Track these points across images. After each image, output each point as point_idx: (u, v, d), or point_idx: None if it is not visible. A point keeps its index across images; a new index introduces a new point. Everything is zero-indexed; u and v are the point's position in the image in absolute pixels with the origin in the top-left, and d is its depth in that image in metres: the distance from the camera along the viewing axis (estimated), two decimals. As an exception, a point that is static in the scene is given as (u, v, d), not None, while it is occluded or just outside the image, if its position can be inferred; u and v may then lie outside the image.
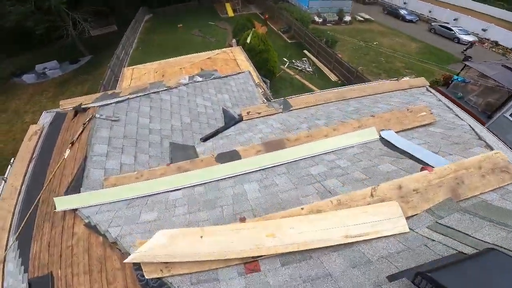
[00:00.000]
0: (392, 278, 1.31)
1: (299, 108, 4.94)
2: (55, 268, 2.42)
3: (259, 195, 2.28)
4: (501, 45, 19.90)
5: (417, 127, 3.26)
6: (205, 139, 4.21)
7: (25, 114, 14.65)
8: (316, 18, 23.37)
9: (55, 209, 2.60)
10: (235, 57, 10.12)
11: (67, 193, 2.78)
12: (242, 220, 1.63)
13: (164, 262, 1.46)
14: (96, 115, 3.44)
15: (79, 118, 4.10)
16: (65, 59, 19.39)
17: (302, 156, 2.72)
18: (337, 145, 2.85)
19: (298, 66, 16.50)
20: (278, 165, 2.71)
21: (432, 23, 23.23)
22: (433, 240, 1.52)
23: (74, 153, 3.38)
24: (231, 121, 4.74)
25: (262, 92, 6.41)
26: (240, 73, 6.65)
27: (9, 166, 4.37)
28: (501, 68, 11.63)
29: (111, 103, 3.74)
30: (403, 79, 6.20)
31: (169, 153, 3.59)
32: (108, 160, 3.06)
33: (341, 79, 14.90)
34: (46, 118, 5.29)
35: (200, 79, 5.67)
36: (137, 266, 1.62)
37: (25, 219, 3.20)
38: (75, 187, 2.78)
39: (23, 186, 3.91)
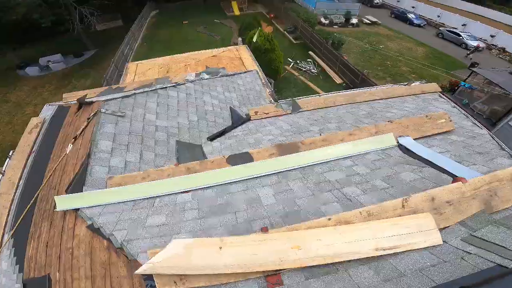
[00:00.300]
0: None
1: (308, 110, 4.81)
2: (53, 270, 2.28)
3: (274, 201, 2.15)
4: (507, 51, 19.74)
5: (435, 134, 3.14)
6: (212, 138, 4.08)
7: (26, 106, 14.48)
8: (323, 20, 23.20)
9: (55, 207, 2.46)
10: (241, 55, 9.95)
11: (68, 191, 2.64)
12: (265, 230, 1.49)
13: (178, 274, 1.32)
14: (102, 109, 3.30)
15: (83, 112, 3.96)
16: (69, 52, 19.25)
17: (318, 161, 2.58)
18: (354, 150, 2.71)
19: (302, 67, 16.32)
20: (292, 170, 2.57)
21: (440, 28, 23.04)
22: (469, 253, 1.44)
23: (76, 149, 3.24)
24: (238, 120, 4.61)
25: (270, 92, 6.26)
26: (247, 71, 6.51)
27: (8, 159, 4.22)
28: (509, 76, 11.50)
29: (117, 98, 3.60)
30: (413, 83, 6.07)
31: (176, 152, 3.44)
32: (112, 158, 2.91)
33: (346, 82, 14.75)
34: (48, 111, 5.14)
35: (207, 76, 5.52)
36: (147, 275, 1.49)
37: (22, 216, 3.06)
38: (77, 185, 2.63)
39: (21, 181, 3.76)
